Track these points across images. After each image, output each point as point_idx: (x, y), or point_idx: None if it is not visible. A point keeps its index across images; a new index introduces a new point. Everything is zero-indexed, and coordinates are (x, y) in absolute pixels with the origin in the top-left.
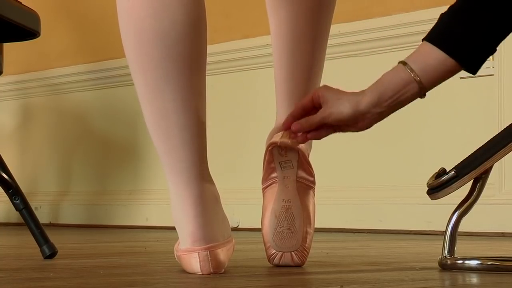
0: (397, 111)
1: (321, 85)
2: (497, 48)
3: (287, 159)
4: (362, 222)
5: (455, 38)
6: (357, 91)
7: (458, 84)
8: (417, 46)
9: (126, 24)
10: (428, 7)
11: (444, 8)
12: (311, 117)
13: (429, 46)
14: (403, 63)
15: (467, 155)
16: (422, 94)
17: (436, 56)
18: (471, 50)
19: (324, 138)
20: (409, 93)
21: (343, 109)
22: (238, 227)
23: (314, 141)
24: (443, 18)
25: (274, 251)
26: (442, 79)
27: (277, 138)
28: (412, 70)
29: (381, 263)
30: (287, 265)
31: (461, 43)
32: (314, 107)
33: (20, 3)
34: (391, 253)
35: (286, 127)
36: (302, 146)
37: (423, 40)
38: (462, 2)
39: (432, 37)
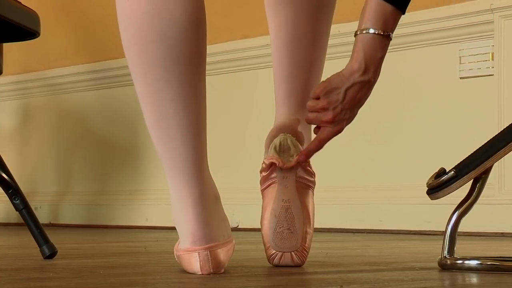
0: (397, 111)
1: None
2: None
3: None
4: (362, 222)
5: None
6: None
7: (457, 84)
8: (417, 46)
9: (125, 25)
10: (429, 7)
11: (445, 8)
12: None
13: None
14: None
15: (467, 155)
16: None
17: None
18: None
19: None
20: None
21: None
22: (238, 227)
23: None
24: None
25: (274, 251)
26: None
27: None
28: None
29: (381, 263)
30: (287, 265)
31: None
32: None
33: (20, 3)
34: (391, 253)
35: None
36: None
37: None
38: None
39: None
